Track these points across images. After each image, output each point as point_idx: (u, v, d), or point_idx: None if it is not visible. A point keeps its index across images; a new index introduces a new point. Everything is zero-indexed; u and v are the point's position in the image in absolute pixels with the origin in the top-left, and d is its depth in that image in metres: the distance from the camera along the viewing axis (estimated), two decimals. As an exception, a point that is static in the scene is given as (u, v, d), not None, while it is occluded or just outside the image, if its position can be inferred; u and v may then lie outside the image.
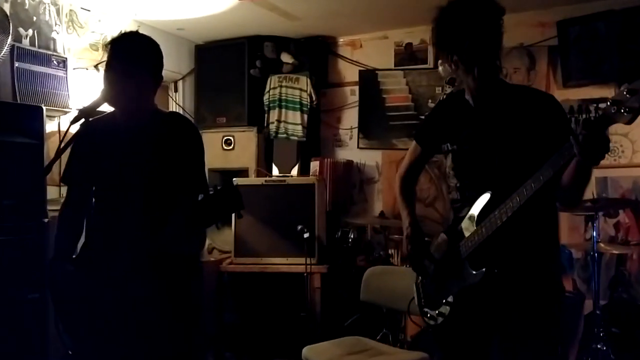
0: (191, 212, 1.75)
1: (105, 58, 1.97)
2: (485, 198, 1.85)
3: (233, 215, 1.85)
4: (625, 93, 1.45)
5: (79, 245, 2.10)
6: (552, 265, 1.92)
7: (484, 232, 1.81)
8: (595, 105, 3.88)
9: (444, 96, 4.22)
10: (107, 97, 1.89)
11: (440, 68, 1.90)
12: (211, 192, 1.79)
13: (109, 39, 2.05)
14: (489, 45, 1.83)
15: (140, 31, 2.05)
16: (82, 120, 1.83)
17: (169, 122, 2.04)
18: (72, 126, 1.89)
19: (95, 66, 3.63)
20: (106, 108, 1.94)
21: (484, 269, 1.82)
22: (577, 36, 3.92)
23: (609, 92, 3.76)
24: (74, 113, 2.37)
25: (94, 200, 2.07)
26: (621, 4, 3.77)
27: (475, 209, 1.87)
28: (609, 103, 1.47)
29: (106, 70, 1.93)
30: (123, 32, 2.00)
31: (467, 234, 1.89)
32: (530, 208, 1.70)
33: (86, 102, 1.93)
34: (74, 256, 2.05)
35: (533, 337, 1.83)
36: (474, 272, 1.85)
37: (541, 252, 1.87)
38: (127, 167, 1.95)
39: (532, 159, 1.75)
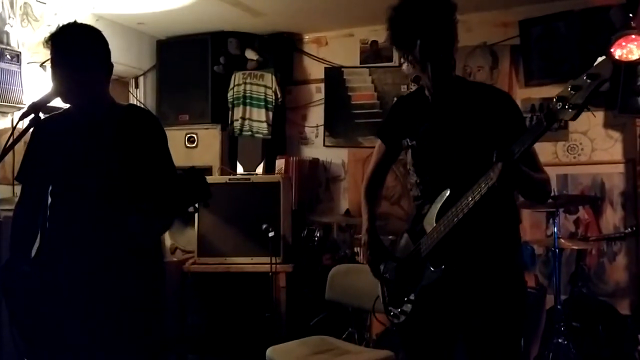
0: (157, 201, 1.68)
1: (49, 55, 1.84)
2: (444, 195, 1.85)
3: (199, 205, 1.75)
4: (569, 89, 1.47)
5: (36, 245, 2.01)
6: (513, 260, 1.93)
7: (442, 229, 1.81)
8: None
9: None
10: (58, 93, 1.81)
11: (403, 66, 1.91)
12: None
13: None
14: (441, 43, 1.83)
15: (99, 25, 1.94)
16: (32, 115, 1.74)
17: (127, 115, 1.97)
18: (21, 121, 1.81)
19: (42, 64, 3.44)
20: (59, 103, 1.85)
21: (442, 267, 1.82)
22: (538, 36, 3.98)
23: (569, 91, 3.83)
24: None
25: (50, 199, 1.98)
26: (580, 5, 3.84)
27: (435, 206, 1.87)
28: (554, 100, 1.49)
29: (53, 67, 1.83)
30: (61, 25, 1.87)
31: (427, 231, 1.88)
32: (489, 205, 1.70)
33: (38, 97, 1.83)
34: (30, 257, 1.96)
35: (496, 332, 1.84)
36: (433, 270, 1.85)
37: (502, 248, 1.87)
38: (86, 164, 1.87)
39: (489, 155, 1.75)
